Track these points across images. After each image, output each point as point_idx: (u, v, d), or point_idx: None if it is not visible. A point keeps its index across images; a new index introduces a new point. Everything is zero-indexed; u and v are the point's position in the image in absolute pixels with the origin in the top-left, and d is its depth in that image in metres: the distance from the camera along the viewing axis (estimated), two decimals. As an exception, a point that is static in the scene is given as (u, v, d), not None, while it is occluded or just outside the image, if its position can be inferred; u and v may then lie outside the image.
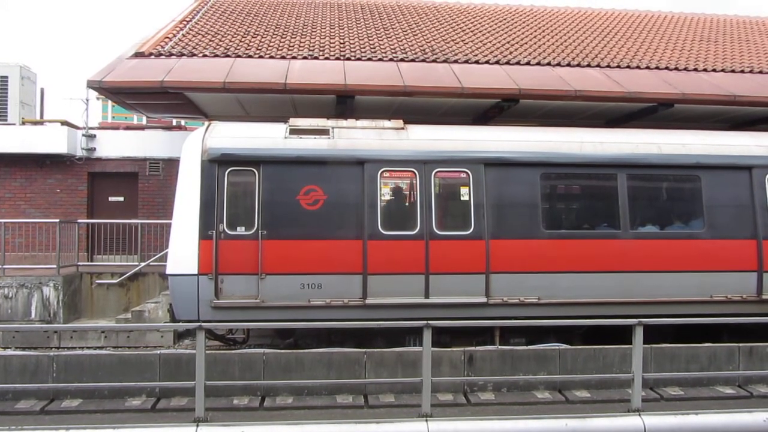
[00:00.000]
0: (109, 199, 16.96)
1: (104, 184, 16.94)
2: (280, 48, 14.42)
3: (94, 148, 16.72)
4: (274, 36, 15.34)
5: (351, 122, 10.52)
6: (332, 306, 9.62)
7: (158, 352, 8.13)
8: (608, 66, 14.72)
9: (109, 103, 29.07)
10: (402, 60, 14.16)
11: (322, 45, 14.87)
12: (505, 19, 18.76)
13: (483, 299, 9.84)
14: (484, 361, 8.26)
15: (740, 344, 8.81)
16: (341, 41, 15.31)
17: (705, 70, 15.11)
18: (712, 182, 10.56)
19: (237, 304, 9.53)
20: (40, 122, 17.41)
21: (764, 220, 10.52)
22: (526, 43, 16.22)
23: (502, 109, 13.62)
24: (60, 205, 16.48)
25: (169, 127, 18.98)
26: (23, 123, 17.07)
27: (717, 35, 18.66)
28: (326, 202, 9.78)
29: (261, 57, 13.82)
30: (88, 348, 12.39)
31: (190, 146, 9.93)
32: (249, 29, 15.75)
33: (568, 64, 14.64)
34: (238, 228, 9.68)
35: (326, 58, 13.99)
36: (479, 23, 18.00)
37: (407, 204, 10.40)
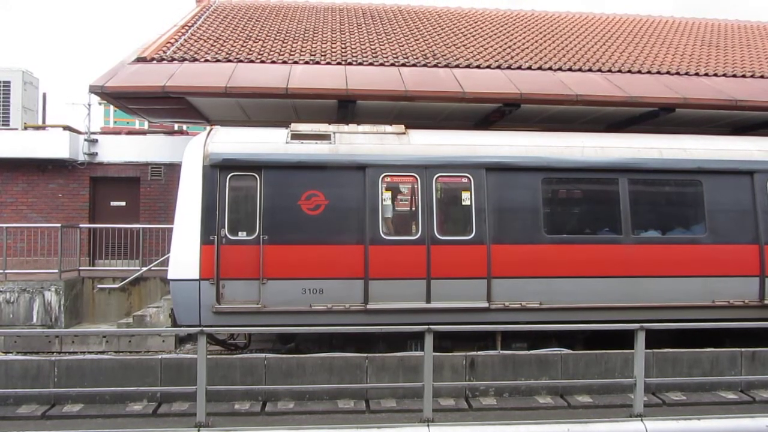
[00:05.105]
0: (111, 203, 16.96)
1: (106, 189, 16.96)
2: (281, 53, 14.46)
3: (96, 153, 16.73)
4: (275, 41, 15.38)
5: (352, 127, 10.53)
6: (334, 311, 9.62)
7: (160, 356, 8.12)
8: (609, 70, 14.74)
9: (111, 107, 29.15)
10: (403, 65, 14.19)
11: (323, 50, 14.90)
12: (506, 24, 18.80)
13: (484, 304, 9.82)
14: (485, 365, 8.25)
15: (742, 349, 8.80)
16: (343, 46, 15.34)
17: (706, 74, 15.13)
18: (713, 187, 10.55)
19: (238, 309, 9.53)
20: (42, 127, 17.44)
21: (766, 224, 10.50)
22: (527, 47, 16.25)
23: (504, 113, 13.64)
24: (62, 209, 16.48)
25: (170, 132, 19.02)
26: (25, 128, 17.08)
27: (718, 40, 18.69)
28: (328, 207, 9.78)
29: (263, 62, 13.85)
30: (90, 353, 12.40)
31: (191, 151, 9.95)
32: (250, 34, 15.79)
33: (570, 69, 14.66)
34: (240, 233, 9.68)
35: (328, 63, 14.02)
36: (480, 28, 18.04)
37: (409, 209, 10.40)
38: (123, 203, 16.97)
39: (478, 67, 14.39)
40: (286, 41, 15.43)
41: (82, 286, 14.20)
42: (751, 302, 10.37)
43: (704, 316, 9.90)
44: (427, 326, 7.29)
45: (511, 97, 12.75)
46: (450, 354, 8.47)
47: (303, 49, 14.84)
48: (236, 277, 9.57)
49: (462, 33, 17.27)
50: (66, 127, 16.69)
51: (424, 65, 14.28)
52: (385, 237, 9.83)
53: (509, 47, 16.16)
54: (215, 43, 14.78)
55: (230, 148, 9.86)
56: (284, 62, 13.88)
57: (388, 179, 10.08)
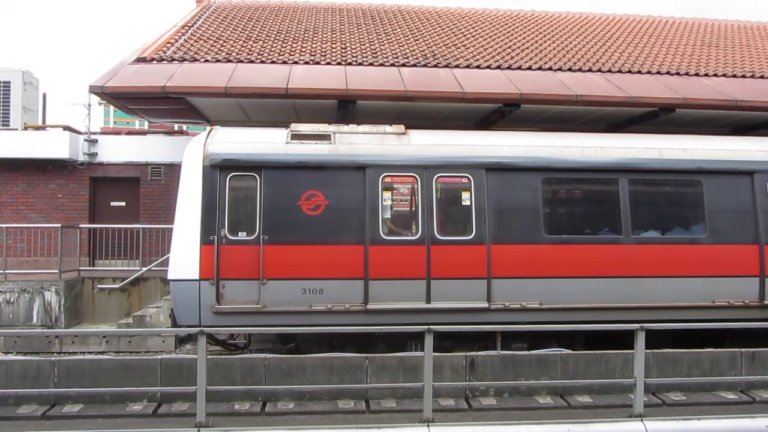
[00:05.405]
0: (111, 204, 16.96)
1: (106, 189, 16.96)
2: (281, 53, 14.46)
3: (96, 153, 16.73)
4: (275, 41, 15.38)
5: (352, 127, 10.53)
6: (334, 311, 9.62)
7: (160, 357, 8.11)
8: (609, 71, 14.73)
9: (111, 108, 29.17)
10: (403, 65, 14.19)
11: (323, 50, 14.90)
12: (506, 24, 18.80)
13: (484, 304, 9.82)
14: (485, 366, 8.25)
15: (742, 349, 8.80)
16: (343, 46, 15.34)
17: (706, 74, 15.13)
18: (713, 187, 10.55)
19: (238, 310, 9.53)
20: (42, 127, 17.44)
21: (766, 225, 10.50)
22: (527, 48, 16.25)
23: (504, 113, 13.64)
24: (62, 209, 16.49)
25: (170, 132, 19.02)
26: (25, 128, 17.09)
27: (718, 40, 18.69)
28: (328, 207, 9.78)
29: (263, 62, 13.85)
30: (90, 353, 12.39)
31: (191, 151, 9.95)
32: (251, 34, 15.79)
33: (570, 69, 14.66)
34: (240, 233, 9.68)
35: (328, 63, 14.02)
36: (480, 28, 18.04)
37: (409, 209, 10.41)
38: (123, 203, 16.97)
39: (478, 67, 14.39)
40: (286, 41, 15.43)
41: (82, 286, 14.20)
42: (751, 302, 10.37)
43: (704, 317, 9.90)
44: (427, 326, 7.29)
45: (511, 97, 12.75)
46: (450, 354, 8.47)
47: (303, 50, 14.84)
48: (236, 278, 9.56)
49: (462, 33, 17.27)
50: (66, 128, 16.69)
51: (424, 65, 14.27)
52: (385, 237, 9.83)
53: (509, 47, 16.16)
54: (215, 44, 14.78)
55: (230, 149, 9.86)
56: (284, 62, 13.88)
57: (388, 179, 10.08)
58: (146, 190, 16.83)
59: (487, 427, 7.10)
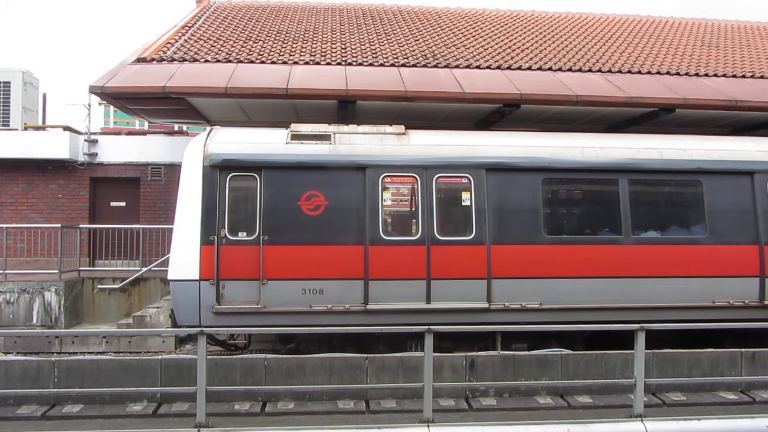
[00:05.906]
0: (111, 204, 16.97)
1: (106, 190, 16.97)
2: (281, 53, 14.46)
3: (96, 154, 16.74)
4: (275, 41, 15.38)
5: (352, 127, 10.53)
6: (334, 311, 9.62)
7: (160, 357, 8.11)
8: (609, 71, 14.73)
9: (111, 108, 29.17)
10: (403, 65, 14.19)
11: (323, 50, 14.90)
12: (506, 25, 18.80)
13: (485, 304, 9.82)
14: (485, 366, 8.25)
15: (743, 350, 8.80)
16: (343, 46, 15.34)
17: (706, 75, 15.12)
18: (713, 187, 10.55)
19: (238, 310, 9.53)
20: (42, 127, 17.44)
21: (766, 225, 10.51)
22: (527, 48, 16.24)
23: (504, 114, 13.64)
24: (62, 210, 16.50)
25: (170, 133, 19.02)
26: (25, 128, 17.11)
27: (718, 40, 18.69)
28: (328, 208, 9.78)
29: (263, 62, 13.84)
30: (90, 353, 12.40)
31: (191, 152, 9.95)
32: (251, 34, 15.79)
33: (570, 69, 14.65)
34: (240, 233, 9.68)
35: (328, 63, 14.02)
36: (480, 28, 18.04)
37: (409, 209, 10.41)
38: (123, 203, 16.98)
39: (478, 67, 14.38)
40: (286, 42, 15.43)
41: (82, 286, 14.20)
42: (752, 303, 10.37)
43: (704, 317, 9.91)
44: (427, 327, 7.29)
45: (511, 97, 12.75)
46: (450, 354, 8.47)
47: (303, 50, 14.84)
48: (236, 278, 9.57)
49: (462, 33, 17.27)
50: (66, 128, 16.70)
51: (424, 65, 14.27)
52: (385, 237, 9.83)
53: (509, 48, 16.15)
54: (215, 44, 14.78)
55: (230, 149, 9.87)
56: (284, 63, 13.88)
57: (388, 179, 10.08)
58: (146, 190, 16.84)
59: (487, 427, 7.10)
